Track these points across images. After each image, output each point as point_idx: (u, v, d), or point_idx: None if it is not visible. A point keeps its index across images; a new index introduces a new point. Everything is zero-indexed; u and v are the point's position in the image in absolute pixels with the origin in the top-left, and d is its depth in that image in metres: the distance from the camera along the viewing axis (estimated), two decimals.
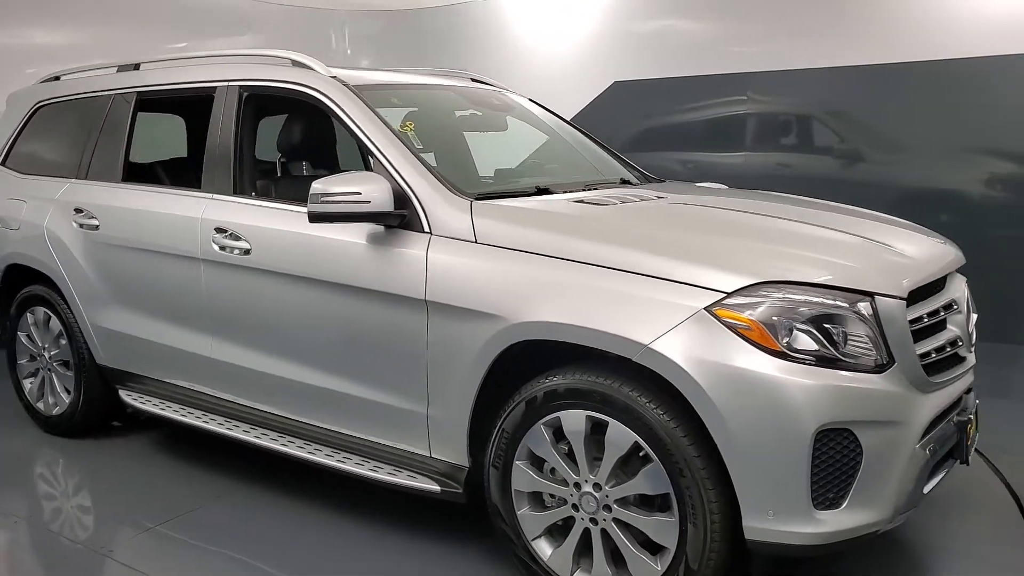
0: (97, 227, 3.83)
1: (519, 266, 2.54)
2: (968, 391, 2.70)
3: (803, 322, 2.22)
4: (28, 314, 4.26)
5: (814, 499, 2.20)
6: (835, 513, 2.22)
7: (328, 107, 3.13)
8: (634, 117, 6.90)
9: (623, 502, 2.41)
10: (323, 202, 2.75)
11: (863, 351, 2.25)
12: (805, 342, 2.22)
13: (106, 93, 4.05)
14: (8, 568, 3.08)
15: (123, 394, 3.89)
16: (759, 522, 2.23)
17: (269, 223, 3.17)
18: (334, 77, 3.21)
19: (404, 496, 2.93)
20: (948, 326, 2.59)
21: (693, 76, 6.51)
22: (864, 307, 2.28)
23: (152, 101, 4.00)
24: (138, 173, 4.13)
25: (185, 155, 4.72)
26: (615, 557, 2.47)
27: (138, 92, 3.92)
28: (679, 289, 2.29)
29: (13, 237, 4.25)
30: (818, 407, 2.16)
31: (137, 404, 3.79)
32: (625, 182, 3.66)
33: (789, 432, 2.17)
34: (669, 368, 2.25)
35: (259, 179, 3.52)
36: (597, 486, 2.44)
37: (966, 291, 2.82)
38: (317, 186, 2.76)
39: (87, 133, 4.08)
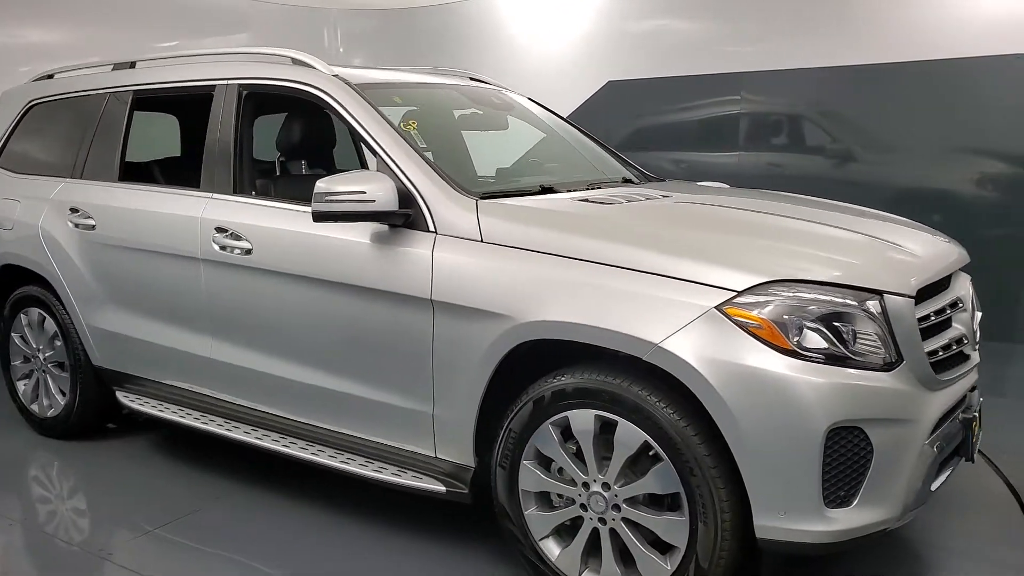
0: (93, 227, 3.79)
1: (527, 265, 2.53)
2: (972, 389, 2.72)
3: (813, 320, 2.22)
4: (22, 315, 4.21)
5: (825, 497, 2.20)
6: (846, 511, 2.22)
7: (331, 106, 3.10)
8: (628, 117, 6.90)
9: (632, 501, 2.41)
10: (327, 201, 2.74)
11: (872, 349, 2.26)
12: (815, 340, 2.22)
13: (101, 91, 4.00)
14: (3, 571, 3.04)
15: (120, 396, 3.85)
16: (770, 521, 2.22)
17: (270, 222, 3.15)
18: (336, 76, 3.18)
19: (406, 497, 2.92)
20: (953, 324, 2.60)
21: (687, 76, 6.52)
22: (873, 305, 2.28)
23: (149, 100, 3.96)
24: (134, 172, 4.10)
25: (180, 154, 4.68)
26: (624, 556, 2.46)
27: (135, 90, 3.88)
28: (689, 288, 2.29)
29: (6, 237, 4.20)
30: (830, 405, 2.16)
31: (134, 406, 3.75)
32: (627, 181, 3.66)
33: (801, 431, 2.17)
34: (680, 367, 2.24)
35: (259, 178, 3.49)
36: (606, 485, 2.44)
37: (970, 289, 2.83)
38: (321, 185, 2.74)
39: (82, 132, 4.03)
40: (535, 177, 3.65)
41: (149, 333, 3.65)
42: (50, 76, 4.42)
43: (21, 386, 4.27)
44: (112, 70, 4.10)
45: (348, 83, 3.14)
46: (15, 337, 4.26)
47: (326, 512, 3.29)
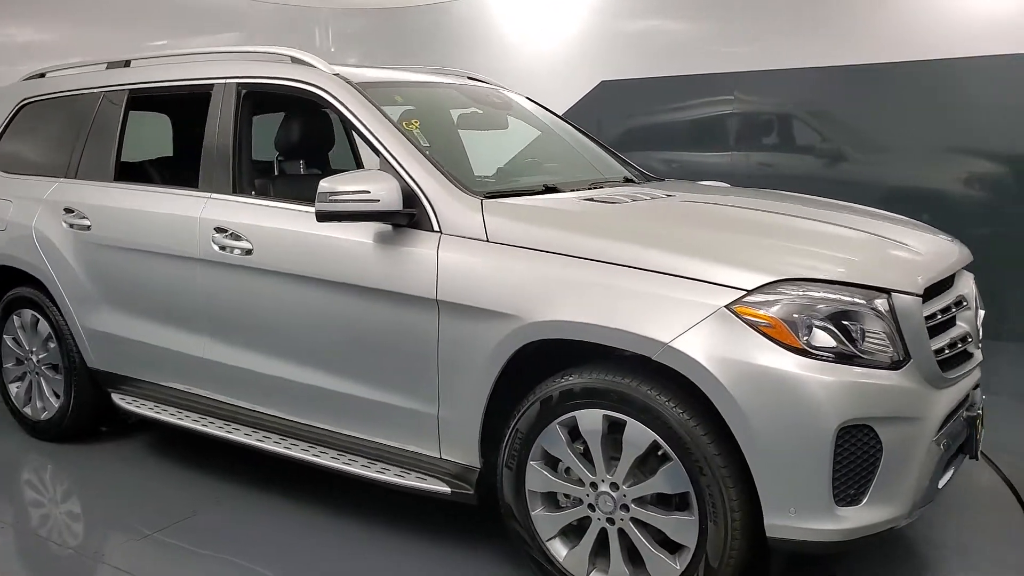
0: (88, 227, 3.74)
1: (534, 265, 2.52)
2: (976, 387, 2.73)
3: (822, 319, 2.22)
4: (15, 317, 4.16)
5: (835, 496, 2.20)
6: (856, 509, 2.22)
7: (332, 105, 3.08)
8: (621, 116, 6.91)
9: (641, 501, 2.40)
10: (331, 201, 2.72)
11: (881, 348, 2.26)
12: (824, 339, 2.22)
13: (96, 90, 3.96)
14: None
15: (116, 398, 3.80)
16: (781, 519, 2.22)
17: (271, 222, 3.12)
18: (337, 74, 3.16)
19: (408, 498, 2.90)
20: (958, 322, 2.62)
21: (680, 76, 6.53)
22: (881, 304, 2.29)
23: (144, 99, 3.92)
24: (129, 172, 4.05)
25: (172, 154, 4.63)
26: (632, 557, 2.46)
27: (130, 89, 3.84)
28: (699, 287, 2.28)
29: None
30: (840, 404, 2.17)
31: (131, 408, 3.71)
32: (628, 180, 3.66)
33: (811, 429, 2.17)
34: (690, 366, 2.24)
35: (257, 178, 3.46)
36: (614, 485, 2.43)
37: (974, 288, 2.84)
38: (325, 185, 2.72)
39: (76, 131, 3.99)
40: (537, 177, 3.64)
41: (146, 334, 3.61)
42: (42, 75, 4.36)
43: (14, 389, 4.21)
44: (106, 69, 4.06)
45: (349, 82, 3.12)
46: (7, 339, 4.20)
47: (327, 514, 3.26)
